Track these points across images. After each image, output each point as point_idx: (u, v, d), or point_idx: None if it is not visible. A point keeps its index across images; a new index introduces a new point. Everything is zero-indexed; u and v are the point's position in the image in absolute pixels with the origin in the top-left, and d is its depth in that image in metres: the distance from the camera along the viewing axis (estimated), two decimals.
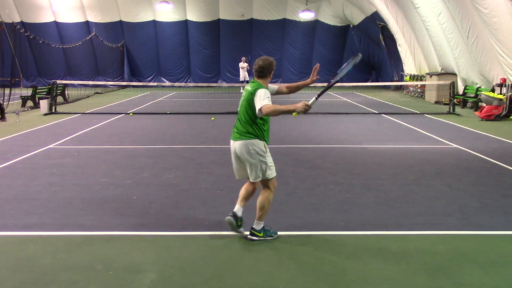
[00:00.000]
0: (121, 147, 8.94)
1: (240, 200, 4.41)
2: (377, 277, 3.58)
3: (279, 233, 4.47)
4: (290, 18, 28.32)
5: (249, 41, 28.66)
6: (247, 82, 23.78)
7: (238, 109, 4.32)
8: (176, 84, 25.27)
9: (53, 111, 14.54)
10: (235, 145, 4.23)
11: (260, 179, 4.24)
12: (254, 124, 4.17)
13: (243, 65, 23.26)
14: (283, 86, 4.65)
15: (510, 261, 3.89)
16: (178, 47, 28.77)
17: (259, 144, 4.19)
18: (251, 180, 4.25)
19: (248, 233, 4.34)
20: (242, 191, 4.43)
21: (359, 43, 27.82)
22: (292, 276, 3.59)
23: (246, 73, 23.28)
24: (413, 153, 8.40)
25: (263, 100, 4.03)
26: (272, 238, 4.32)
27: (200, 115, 13.94)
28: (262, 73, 4.26)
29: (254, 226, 4.31)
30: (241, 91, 23.58)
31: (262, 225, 4.32)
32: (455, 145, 9.10)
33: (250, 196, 4.44)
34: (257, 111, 4.08)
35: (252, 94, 4.13)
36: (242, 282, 3.50)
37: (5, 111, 13.26)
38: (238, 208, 4.38)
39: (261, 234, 4.29)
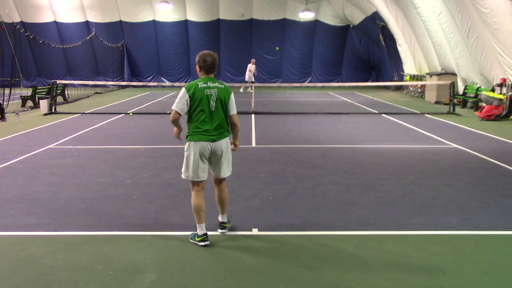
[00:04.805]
0: (121, 147, 8.94)
1: (225, 208, 4.52)
2: (377, 277, 3.58)
3: (279, 233, 4.48)
4: (290, 18, 28.32)
5: (249, 41, 28.68)
6: (252, 82, 24.09)
7: (212, 108, 4.16)
8: (176, 84, 25.16)
9: (53, 111, 14.54)
10: (220, 144, 4.20)
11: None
12: (228, 121, 4.34)
13: (251, 67, 23.88)
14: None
15: (510, 261, 3.89)
16: (178, 47, 28.80)
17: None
18: (226, 175, 4.37)
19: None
20: (219, 197, 4.48)
21: (359, 43, 27.82)
22: (292, 276, 3.59)
23: (252, 75, 23.94)
24: (413, 153, 8.39)
25: (235, 107, 4.37)
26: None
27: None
28: (213, 69, 4.30)
29: (223, 220, 4.52)
30: (241, 90, 23.85)
31: None
32: (455, 145, 9.09)
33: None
34: (233, 115, 4.32)
35: (229, 94, 4.30)
36: (242, 282, 3.50)
37: (5, 111, 13.26)
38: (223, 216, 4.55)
39: (228, 224, 4.55)
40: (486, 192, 5.88)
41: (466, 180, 6.49)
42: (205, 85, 4.18)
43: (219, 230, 4.48)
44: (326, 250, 4.11)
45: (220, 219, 4.52)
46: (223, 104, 4.22)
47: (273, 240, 4.28)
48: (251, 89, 24.17)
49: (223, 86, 4.28)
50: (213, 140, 4.16)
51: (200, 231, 4.20)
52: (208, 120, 4.16)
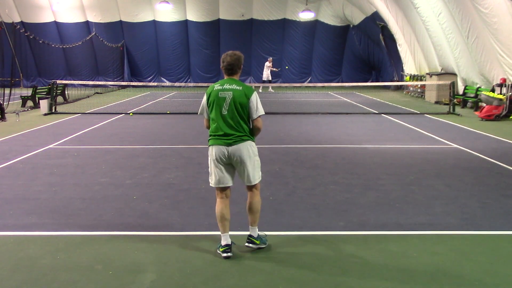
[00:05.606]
0: (121, 147, 8.94)
1: (255, 219, 4.12)
2: (377, 277, 3.58)
3: (279, 233, 4.48)
4: (290, 18, 28.30)
5: (249, 41, 28.64)
6: (269, 81, 24.35)
7: (224, 112, 3.93)
8: (176, 84, 25.26)
9: (53, 111, 14.54)
10: (236, 148, 3.93)
11: (260, 179, 4.14)
12: (248, 125, 4.03)
13: (268, 64, 24.33)
14: None
15: (510, 261, 3.89)
16: (178, 47, 28.77)
17: (254, 145, 4.09)
18: (251, 183, 4.03)
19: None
20: (247, 205, 4.12)
21: (359, 43, 27.80)
22: (292, 276, 3.59)
23: (269, 72, 24.44)
24: (413, 153, 8.39)
25: (261, 108, 4.04)
26: (265, 246, 4.11)
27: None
28: (232, 70, 4.06)
29: (252, 233, 4.10)
30: (259, 90, 23.91)
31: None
32: (455, 145, 9.09)
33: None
34: (255, 118, 4.00)
35: (247, 96, 3.95)
36: (242, 282, 3.50)
37: (5, 111, 13.25)
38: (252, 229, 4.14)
39: (259, 242, 4.09)
40: (486, 192, 5.88)
41: (466, 180, 6.49)
42: (220, 87, 3.98)
43: (246, 244, 4.07)
44: (326, 250, 4.11)
45: (249, 231, 4.11)
46: (240, 107, 3.92)
47: (273, 240, 4.28)
48: (270, 88, 24.48)
49: (240, 87, 3.96)
50: (229, 144, 3.92)
51: (223, 241, 3.97)
52: (222, 124, 3.95)
